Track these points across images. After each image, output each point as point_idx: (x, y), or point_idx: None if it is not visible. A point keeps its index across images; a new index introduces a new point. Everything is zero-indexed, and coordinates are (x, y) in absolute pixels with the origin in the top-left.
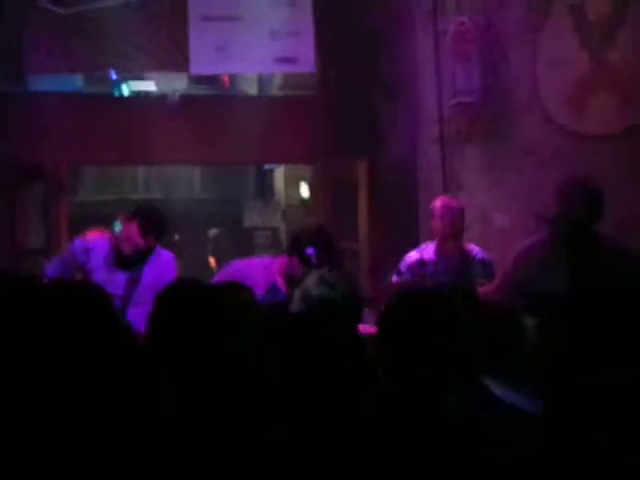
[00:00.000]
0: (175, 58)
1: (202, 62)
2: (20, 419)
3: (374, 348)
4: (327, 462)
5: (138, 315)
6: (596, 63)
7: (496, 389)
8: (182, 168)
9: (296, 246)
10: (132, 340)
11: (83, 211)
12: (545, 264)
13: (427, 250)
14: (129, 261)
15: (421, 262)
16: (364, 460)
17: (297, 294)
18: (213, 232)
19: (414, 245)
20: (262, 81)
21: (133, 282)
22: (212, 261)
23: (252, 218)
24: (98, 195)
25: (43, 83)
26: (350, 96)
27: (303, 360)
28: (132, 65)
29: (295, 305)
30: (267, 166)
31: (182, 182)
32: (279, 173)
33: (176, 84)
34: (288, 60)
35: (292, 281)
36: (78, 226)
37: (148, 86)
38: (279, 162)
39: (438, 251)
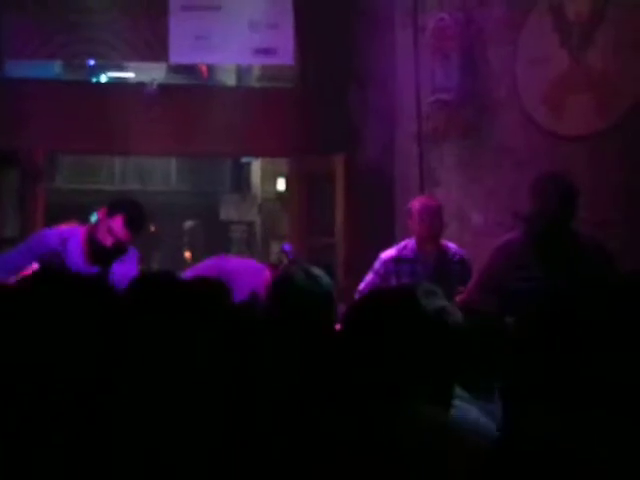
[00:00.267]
0: (154, 47)
1: (181, 52)
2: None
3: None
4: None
5: None
6: (575, 63)
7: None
8: (159, 159)
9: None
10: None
11: (58, 199)
12: (521, 262)
13: (405, 248)
14: (106, 255)
15: (397, 259)
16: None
17: (277, 285)
18: (189, 224)
19: (390, 240)
20: (241, 72)
21: (104, 275)
22: (187, 255)
23: (228, 211)
24: (74, 184)
25: (21, 69)
26: (328, 90)
27: (278, 357)
28: (111, 54)
29: (275, 296)
30: (244, 159)
31: (158, 173)
32: (256, 166)
33: (154, 73)
34: (266, 52)
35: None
36: (53, 214)
37: (126, 74)
38: (255, 155)
39: (417, 251)
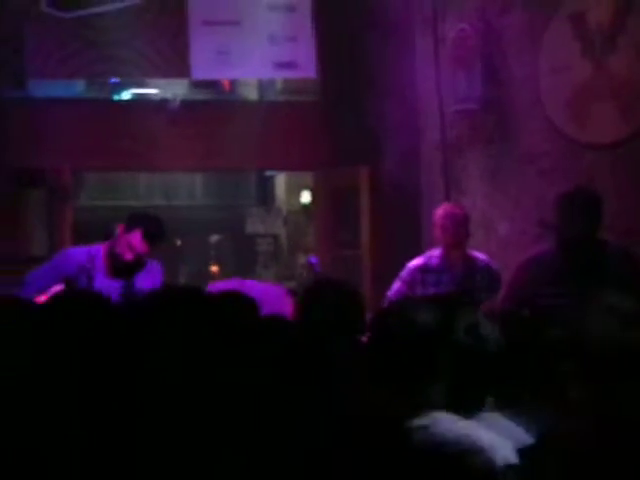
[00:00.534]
0: (176, 63)
1: (203, 67)
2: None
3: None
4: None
5: None
6: (598, 70)
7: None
8: (183, 174)
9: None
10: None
11: (85, 216)
12: (552, 278)
13: (432, 257)
14: (127, 269)
15: (424, 268)
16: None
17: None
18: (214, 238)
19: (416, 251)
20: (263, 86)
21: (128, 289)
22: (214, 268)
23: (254, 225)
24: (100, 201)
25: (44, 88)
26: (350, 102)
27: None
28: (133, 71)
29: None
30: (268, 172)
31: (183, 188)
32: (280, 180)
33: (177, 88)
34: (288, 65)
35: None
36: (80, 232)
37: (149, 91)
38: (279, 169)
39: (443, 260)
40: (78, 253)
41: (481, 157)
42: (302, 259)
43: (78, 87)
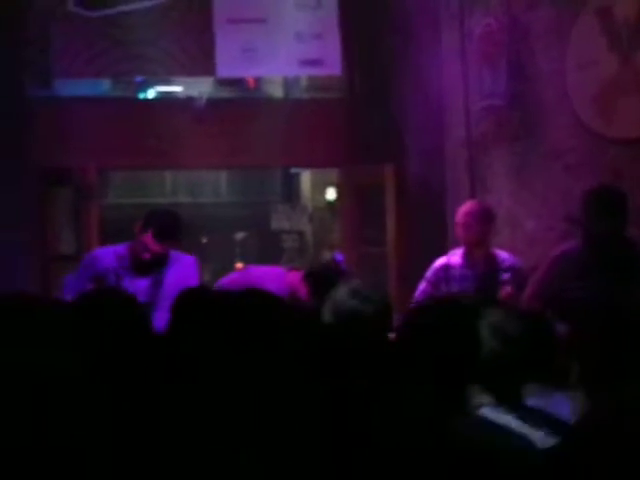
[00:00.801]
0: (201, 61)
1: (229, 65)
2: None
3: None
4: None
5: (163, 320)
6: (625, 65)
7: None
8: (208, 172)
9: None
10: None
11: (112, 215)
12: (580, 272)
13: (455, 255)
14: (148, 266)
15: (446, 267)
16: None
17: (327, 306)
18: (240, 235)
19: (442, 248)
20: (288, 83)
21: (156, 286)
22: (239, 265)
23: (279, 221)
24: (126, 199)
25: (69, 87)
26: (376, 99)
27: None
28: (158, 69)
29: (324, 317)
30: (293, 169)
31: (209, 186)
32: (306, 176)
33: (202, 87)
34: (313, 62)
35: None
36: (107, 230)
37: (174, 89)
38: (305, 167)
39: (465, 258)
40: (105, 253)
41: (506, 154)
42: (328, 255)
43: (104, 86)
